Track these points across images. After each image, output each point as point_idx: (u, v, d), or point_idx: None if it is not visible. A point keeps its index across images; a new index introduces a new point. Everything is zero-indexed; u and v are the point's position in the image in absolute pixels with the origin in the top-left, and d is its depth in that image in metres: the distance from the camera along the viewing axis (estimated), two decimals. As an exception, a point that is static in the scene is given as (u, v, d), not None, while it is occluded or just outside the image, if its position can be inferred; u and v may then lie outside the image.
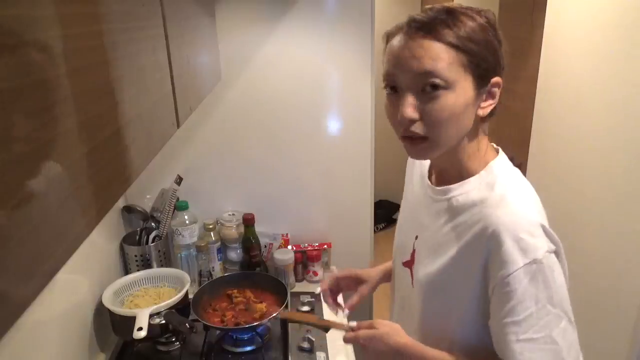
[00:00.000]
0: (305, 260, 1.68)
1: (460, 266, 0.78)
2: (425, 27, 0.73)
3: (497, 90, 0.77)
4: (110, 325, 1.27)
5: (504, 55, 0.78)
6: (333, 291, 1.11)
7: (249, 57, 1.54)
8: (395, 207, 4.05)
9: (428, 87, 0.73)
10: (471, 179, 0.81)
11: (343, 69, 1.58)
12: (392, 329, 0.85)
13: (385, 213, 3.87)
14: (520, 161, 1.98)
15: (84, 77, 0.46)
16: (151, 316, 1.19)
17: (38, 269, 0.36)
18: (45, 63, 0.38)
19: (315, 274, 1.67)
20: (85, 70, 0.46)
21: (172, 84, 0.82)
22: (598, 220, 1.54)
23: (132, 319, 1.18)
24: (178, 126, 0.87)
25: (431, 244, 0.85)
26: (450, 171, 0.84)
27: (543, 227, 0.73)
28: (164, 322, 1.20)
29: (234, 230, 1.64)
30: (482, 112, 0.78)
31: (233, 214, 1.67)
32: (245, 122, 1.61)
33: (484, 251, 0.74)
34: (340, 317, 1.08)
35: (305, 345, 1.30)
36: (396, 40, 0.77)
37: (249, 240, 1.59)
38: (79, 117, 0.44)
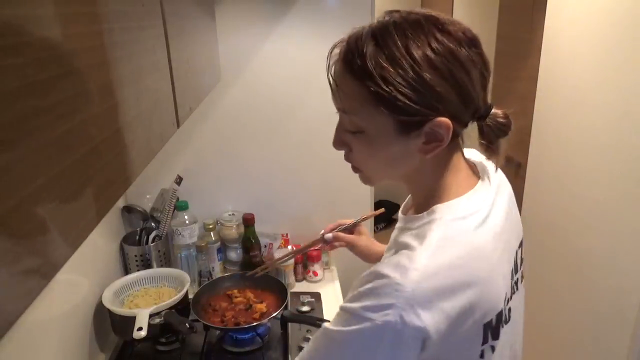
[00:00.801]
0: (305, 260, 1.68)
1: None
2: (345, 55, 0.65)
3: (442, 132, 0.64)
4: (110, 325, 1.27)
5: (466, 88, 0.64)
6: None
7: (248, 57, 1.54)
8: (396, 207, 4.03)
9: (345, 123, 0.69)
10: (422, 215, 0.69)
11: (343, 69, 1.58)
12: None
13: (385, 213, 3.87)
14: (520, 161, 1.98)
15: (84, 77, 0.46)
16: (151, 316, 1.19)
17: (38, 269, 0.36)
18: (45, 63, 0.38)
19: (315, 274, 1.67)
20: (85, 70, 0.46)
21: (172, 84, 0.82)
22: (598, 220, 1.54)
23: (132, 319, 1.18)
24: (178, 126, 0.87)
25: None
26: (414, 199, 0.77)
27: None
28: (164, 322, 1.20)
29: (234, 230, 1.64)
30: (425, 153, 0.66)
31: (233, 214, 1.67)
32: (245, 122, 1.61)
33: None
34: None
35: (306, 345, 1.30)
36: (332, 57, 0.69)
37: (249, 240, 1.59)
38: (79, 117, 0.44)
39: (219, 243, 1.63)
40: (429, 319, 0.59)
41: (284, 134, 1.63)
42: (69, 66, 0.42)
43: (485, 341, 0.67)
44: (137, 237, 1.52)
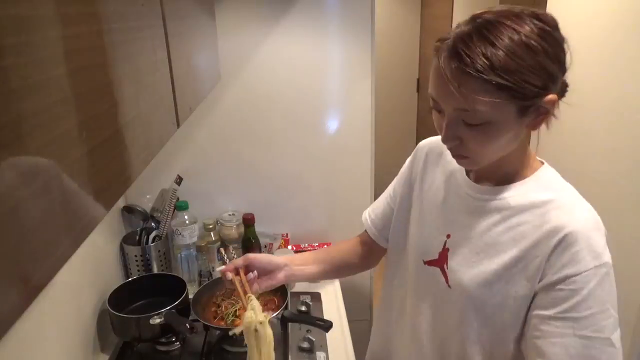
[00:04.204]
0: (305, 260, 1.67)
1: (521, 265, 0.78)
2: (459, 56, 0.69)
3: (549, 107, 0.73)
4: (110, 325, 1.27)
5: (564, 63, 0.73)
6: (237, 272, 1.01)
7: (249, 57, 1.54)
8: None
9: (467, 119, 0.73)
10: (526, 180, 0.81)
11: (343, 69, 1.58)
12: None
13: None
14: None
15: (84, 77, 0.46)
16: (151, 316, 1.19)
17: (38, 268, 0.36)
18: (45, 63, 0.38)
19: (315, 274, 1.67)
20: (85, 70, 0.46)
21: (172, 84, 0.82)
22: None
23: (132, 320, 1.18)
24: (178, 126, 0.87)
25: (479, 243, 0.83)
26: (496, 173, 0.83)
27: (606, 236, 0.76)
28: (164, 322, 1.20)
29: (234, 230, 1.64)
30: (533, 127, 0.76)
31: (233, 214, 1.67)
32: (245, 122, 1.61)
33: (547, 250, 0.75)
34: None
35: (305, 345, 1.30)
36: (439, 61, 0.73)
37: (249, 240, 1.59)
38: (79, 117, 0.44)
39: (219, 243, 1.63)
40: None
41: (284, 134, 1.63)
42: (69, 66, 0.42)
43: None
44: (137, 237, 1.52)
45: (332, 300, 1.56)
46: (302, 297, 1.53)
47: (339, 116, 1.63)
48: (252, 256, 1.03)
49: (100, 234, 1.37)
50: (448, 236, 0.89)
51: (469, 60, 0.68)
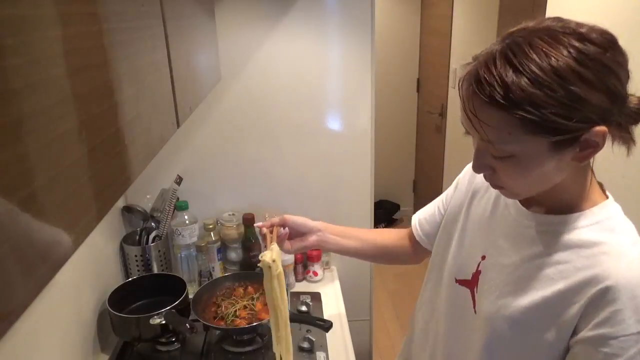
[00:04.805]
0: (305, 260, 1.68)
1: (552, 309, 0.69)
2: (478, 82, 0.61)
3: (599, 140, 0.62)
4: (111, 325, 1.27)
5: (618, 90, 0.61)
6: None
7: (248, 57, 1.54)
8: (395, 207, 4.06)
9: (492, 151, 0.66)
10: (582, 214, 0.70)
11: (343, 69, 1.58)
12: None
13: (385, 213, 3.88)
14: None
15: (84, 77, 0.46)
16: (151, 316, 1.19)
17: (38, 268, 0.36)
18: (45, 63, 0.38)
19: (315, 274, 1.67)
20: (85, 70, 0.46)
21: (172, 84, 0.82)
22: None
23: (132, 320, 1.18)
24: (178, 126, 0.87)
25: (513, 273, 0.75)
26: (548, 200, 0.73)
27: None
28: (164, 322, 1.20)
29: (234, 230, 1.64)
30: (580, 161, 0.65)
31: (233, 214, 1.67)
32: (245, 122, 1.61)
33: (585, 300, 0.66)
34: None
35: (305, 345, 1.30)
36: (463, 88, 0.66)
37: (249, 240, 1.59)
38: (79, 117, 0.44)
39: (219, 243, 1.63)
40: None
41: (284, 134, 1.63)
42: (69, 66, 0.42)
43: None
44: (137, 237, 1.52)
45: (332, 300, 1.56)
46: (302, 297, 1.53)
47: (338, 116, 1.63)
48: (288, 216, 1.07)
49: (100, 234, 1.37)
50: (483, 257, 0.82)
51: (487, 88, 0.59)
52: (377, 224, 3.47)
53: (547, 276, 0.71)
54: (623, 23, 1.43)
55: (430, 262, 1.01)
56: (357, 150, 1.66)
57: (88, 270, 1.27)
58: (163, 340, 1.31)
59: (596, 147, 0.63)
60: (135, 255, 1.48)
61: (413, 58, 3.83)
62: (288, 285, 1.44)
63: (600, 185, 0.75)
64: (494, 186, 0.72)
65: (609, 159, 0.69)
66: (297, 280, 1.67)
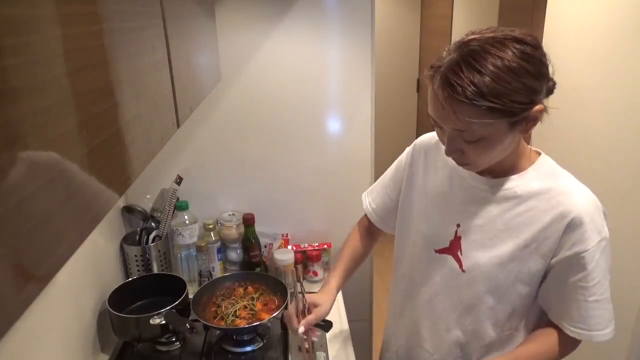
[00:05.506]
0: (306, 260, 1.67)
1: (534, 245, 0.89)
2: (451, 86, 0.77)
3: (538, 115, 0.82)
4: (111, 325, 1.27)
5: (547, 75, 0.81)
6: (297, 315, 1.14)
7: (248, 57, 1.54)
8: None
9: (464, 137, 0.82)
10: (528, 170, 0.92)
11: (343, 69, 1.58)
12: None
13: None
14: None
15: (84, 77, 0.46)
16: (151, 316, 1.19)
17: (38, 268, 0.36)
18: (45, 63, 0.38)
19: (315, 274, 1.67)
20: (85, 70, 0.46)
21: (172, 84, 0.82)
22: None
23: (132, 320, 1.17)
24: (178, 126, 0.87)
25: (491, 229, 0.93)
26: (495, 167, 0.92)
27: (604, 210, 0.89)
28: (164, 322, 1.20)
29: (234, 230, 1.64)
30: (525, 132, 0.85)
31: (233, 214, 1.67)
32: (245, 122, 1.61)
33: (559, 231, 0.87)
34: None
35: (306, 345, 1.30)
36: (434, 89, 0.82)
37: (249, 240, 1.59)
38: (79, 117, 0.44)
39: (219, 243, 1.63)
40: None
41: (284, 134, 1.63)
42: (69, 66, 0.42)
43: None
44: (137, 237, 1.52)
45: (332, 300, 1.56)
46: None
47: (338, 116, 1.63)
48: (319, 311, 1.13)
49: (100, 234, 1.37)
50: (458, 225, 0.98)
51: (460, 89, 0.76)
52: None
53: (522, 223, 0.90)
54: (623, 22, 1.43)
55: (396, 245, 1.15)
56: (357, 150, 1.66)
57: (88, 270, 1.27)
58: (163, 340, 1.31)
59: (536, 120, 0.83)
60: (135, 255, 1.48)
61: (413, 58, 3.83)
62: (288, 286, 1.44)
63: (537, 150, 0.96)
64: (460, 164, 0.90)
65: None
66: (297, 280, 1.67)
